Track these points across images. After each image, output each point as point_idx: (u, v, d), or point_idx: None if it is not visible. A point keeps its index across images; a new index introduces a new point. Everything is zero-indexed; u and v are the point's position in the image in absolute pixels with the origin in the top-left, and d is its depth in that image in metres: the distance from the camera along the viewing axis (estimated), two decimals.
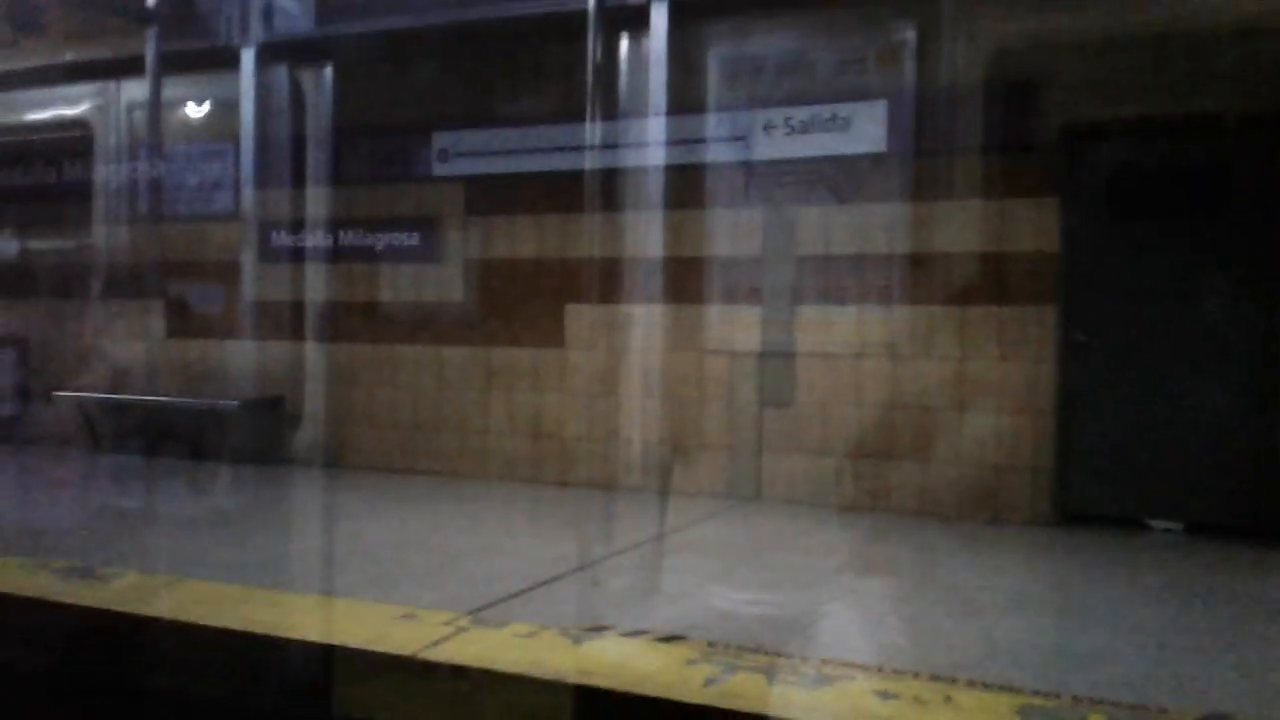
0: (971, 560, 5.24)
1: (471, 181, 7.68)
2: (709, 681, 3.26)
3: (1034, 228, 6.15)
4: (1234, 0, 5.79)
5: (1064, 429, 6.13)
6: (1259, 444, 5.76)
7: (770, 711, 3.07)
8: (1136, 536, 5.83)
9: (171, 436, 8.12)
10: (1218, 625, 4.15)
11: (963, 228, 6.33)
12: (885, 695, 3.16)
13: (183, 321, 8.62)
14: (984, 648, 3.70)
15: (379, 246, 7.94)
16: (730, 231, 6.91)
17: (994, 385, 6.21)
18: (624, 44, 7.25)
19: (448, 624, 3.83)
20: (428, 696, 3.46)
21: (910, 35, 6.47)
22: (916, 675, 3.34)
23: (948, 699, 3.13)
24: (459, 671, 3.42)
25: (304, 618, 4.00)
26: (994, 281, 6.23)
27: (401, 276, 7.88)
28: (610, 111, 7.17)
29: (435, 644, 3.59)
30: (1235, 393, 5.84)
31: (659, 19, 6.96)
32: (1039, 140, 6.17)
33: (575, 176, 7.24)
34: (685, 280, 6.96)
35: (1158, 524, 5.96)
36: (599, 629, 3.81)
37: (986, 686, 3.24)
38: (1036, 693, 3.18)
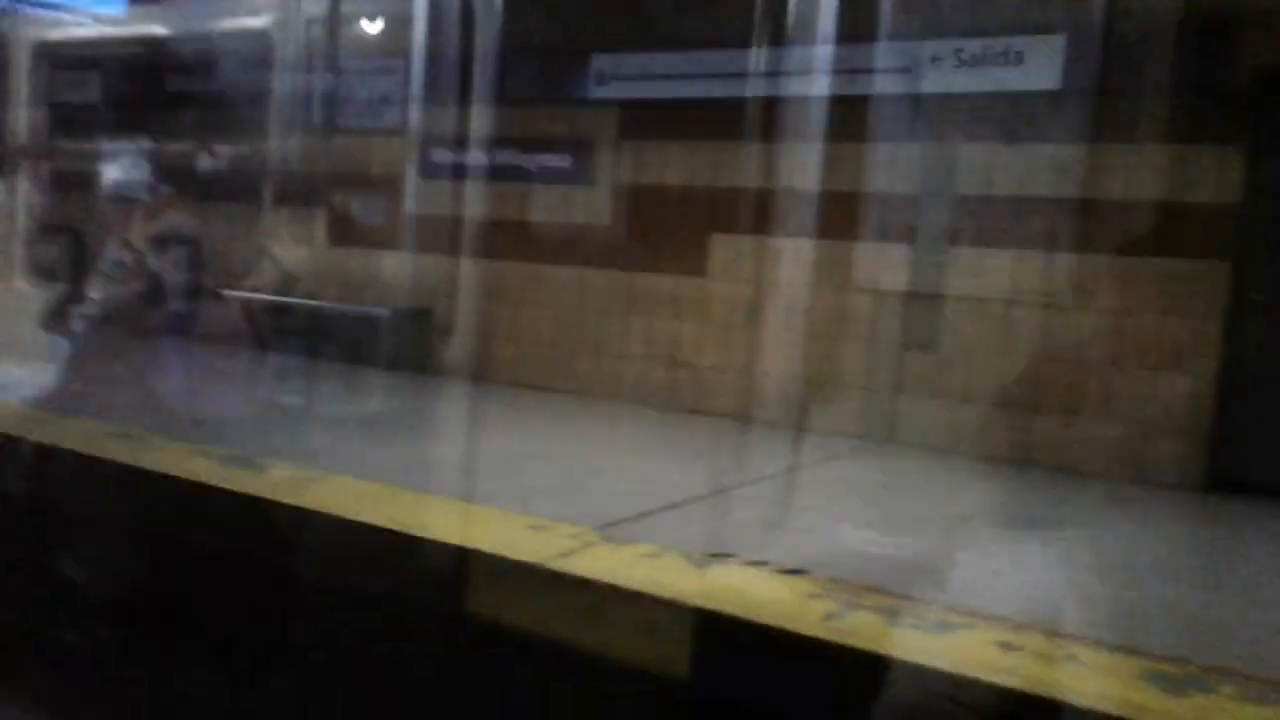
0: (1108, 521, 5.07)
1: (627, 105, 7.68)
2: (828, 616, 3.28)
3: (1214, 178, 5.77)
4: None
5: (1226, 391, 5.80)
6: None
7: (888, 651, 3.07)
8: None
9: (329, 340, 8.52)
10: None
11: (1135, 174, 5.98)
12: (1007, 647, 3.12)
13: (344, 231, 8.98)
14: (1114, 609, 3.59)
15: (533, 167, 8.05)
16: (888, 167, 6.72)
17: (1154, 341, 5.91)
18: None
19: (575, 538, 3.95)
20: (552, 604, 3.59)
21: None
22: (1040, 630, 3.28)
23: (1071, 656, 3.07)
24: (583, 583, 3.53)
25: (442, 520, 4.19)
26: (1165, 232, 5.88)
27: (553, 197, 7.98)
28: (774, 38, 7.01)
29: (562, 555, 3.72)
30: None
31: None
32: (1226, 83, 5.75)
33: (732, 104, 7.13)
34: (836, 215, 6.82)
35: None
36: (722, 556, 3.86)
37: (1113, 648, 3.15)
38: (1166, 658, 3.09)
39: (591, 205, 7.82)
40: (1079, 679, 2.90)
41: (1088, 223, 6.11)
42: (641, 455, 5.88)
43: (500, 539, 3.86)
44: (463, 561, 3.78)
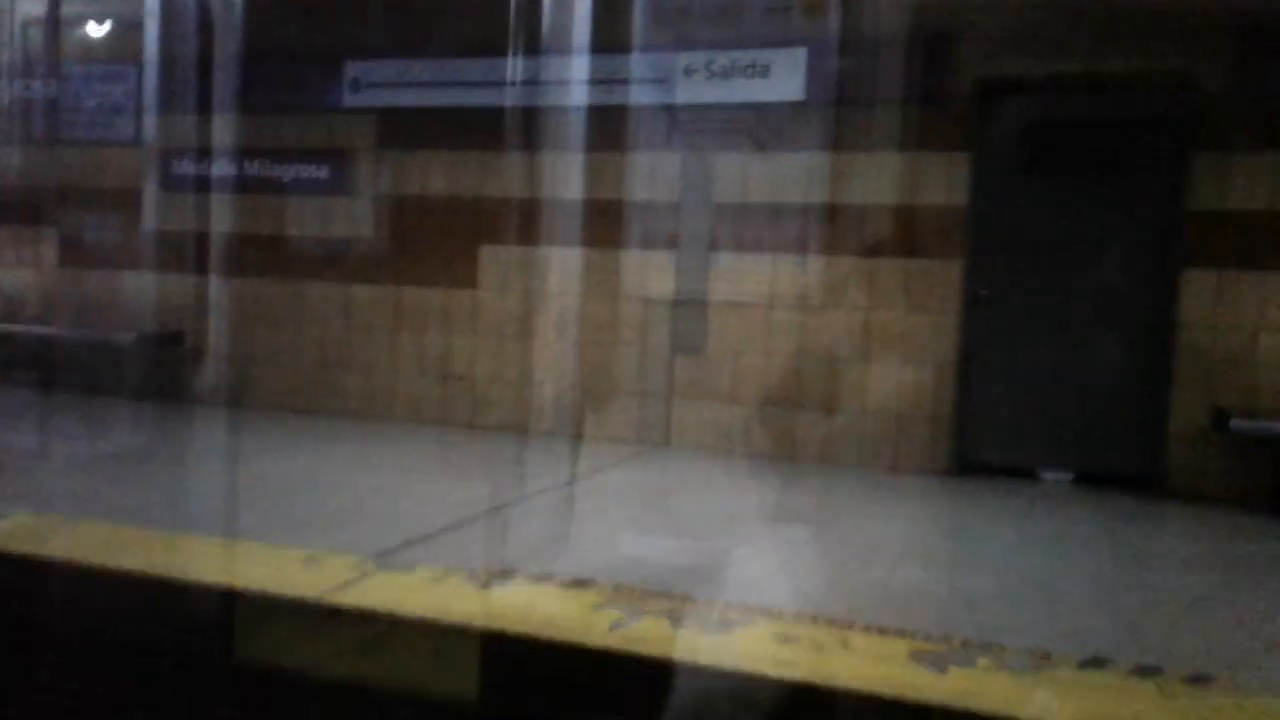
0: (869, 508, 5.39)
1: (385, 114, 7.49)
2: (614, 626, 3.31)
3: (944, 182, 6.26)
4: None
5: (963, 381, 6.31)
6: (1148, 399, 6.02)
7: (673, 655, 3.14)
8: (1028, 486, 6.06)
9: (65, 369, 7.85)
10: (1101, 571, 4.35)
11: (875, 179, 6.40)
12: (785, 639, 3.25)
13: (77, 250, 8.29)
14: (879, 593, 3.82)
15: (287, 178, 7.71)
16: (648, 176, 6.88)
17: (899, 337, 6.34)
18: None
19: (353, 568, 3.80)
20: (332, 641, 3.44)
21: None
22: (815, 620, 3.44)
23: (844, 643, 3.23)
24: (364, 616, 3.41)
25: (203, 561, 3.93)
26: (904, 234, 6.34)
27: (310, 210, 7.67)
28: (532, 47, 7.02)
29: (340, 588, 3.57)
30: (1129, 349, 6.08)
31: None
32: (952, 94, 6.26)
33: (493, 113, 7.11)
34: (602, 224, 6.92)
35: (1049, 475, 6.20)
36: (506, 573, 3.83)
37: (882, 631, 3.35)
38: (929, 637, 3.31)
39: (352, 217, 7.58)
40: (852, 665, 3.06)
41: (834, 226, 6.48)
42: (417, 475, 5.74)
43: (270, 575, 3.66)
44: (229, 603, 3.56)
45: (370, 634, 3.38)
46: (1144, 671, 3.11)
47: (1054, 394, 6.18)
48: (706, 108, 6.79)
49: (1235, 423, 5.45)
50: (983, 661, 3.12)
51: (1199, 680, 3.06)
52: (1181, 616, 3.79)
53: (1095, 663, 3.16)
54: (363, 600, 3.48)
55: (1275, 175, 5.74)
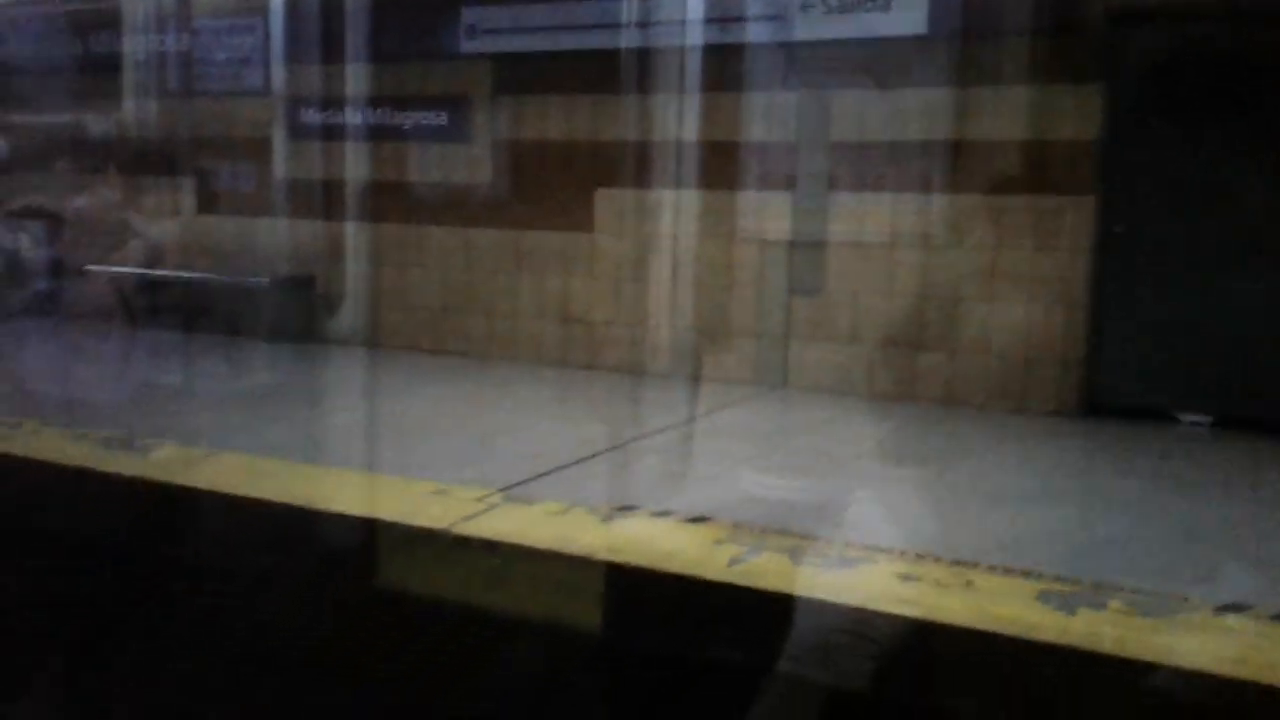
0: (994, 449, 5.28)
1: (500, 60, 7.54)
2: (733, 561, 3.34)
3: (1076, 115, 5.99)
4: None
5: (1096, 321, 6.08)
6: None
7: (793, 590, 3.15)
8: (1164, 429, 5.83)
9: (204, 313, 8.22)
10: (1237, 517, 4.19)
11: (1002, 114, 6.17)
12: (907, 578, 3.23)
13: (214, 198, 8.63)
14: (1006, 535, 3.75)
15: (408, 125, 7.86)
16: (765, 116, 6.78)
17: (1027, 276, 6.14)
18: None
19: (479, 500, 3.92)
20: (460, 569, 3.57)
21: None
22: (938, 560, 3.40)
23: (968, 583, 3.19)
24: (490, 546, 3.52)
25: (339, 491, 4.10)
26: (1033, 170, 6.10)
27: (430, 156, 7.81)
28: None
29: (467, 519, 3.69)
30: (1271, 289, 5.76)
31: None
32: (1084, 23, 5.97)
33: (606, 56, 7.08)
34: (718, 166, 6.86)
35: (1186, 417, 5.95)
36: (627, 509, 3.89)
37: (1008, 571, 3.30)
38: (1058, 578, 3.24)
39: (471, 163, 7.69)
40: (975, 604, 3.03)
41: (959, 164, 6.28)
42: (539, 414, 5.86)
43: (401, 506, 3.81)
44: (364, 532, 3.72)
45: (497, 563, 3.48)
46: None
47: (1192, 335, 5.90)
48: (825, 44, 6.63)
49: None
50: (1114, 604, 3.04)
51: None
52: None
53: (1233, 608, 3.06)
54: (489, 531, 3.58)
55: None
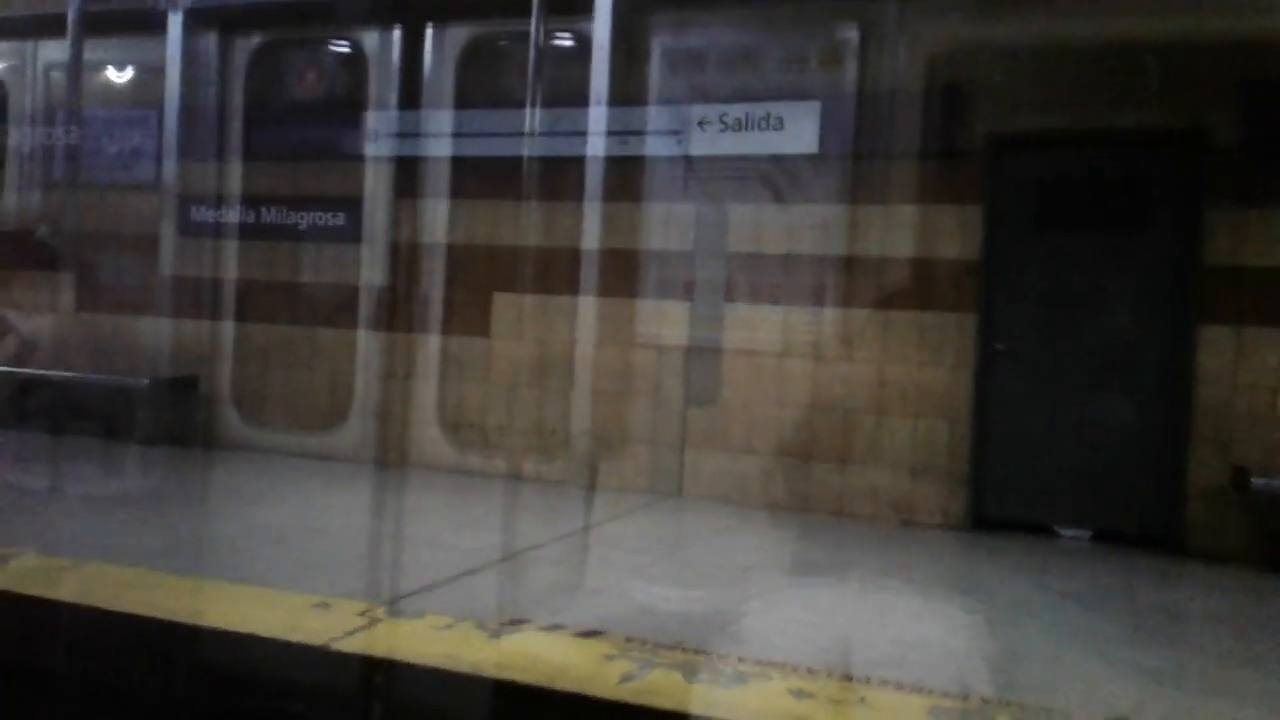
0: (883, 563, 5.32)
1: (402, 163, 7.56)
2: (625, 678, 3.25)
3: (959, 235, 6.26)
4: (1155, 19, 5.95)
5: (979, 436, 6.26)
6: (1166, 456, 5.95)
7: (687, 709, 3.08)
8: (1045, 543, 5.98)
9: (81, 414, 7.86)
10: (1119, 630, 4.27)
11: (890, 232, 6.41)
12: (800, 694, 3.19)
13: (95, 295, 8.35)
14: (895, 649, 3.75)
15: (303, 225, 7.77)
16: (664, 226, 6.91)
17: (914, 390, 6.31)
18: (566, 30, 7.20)
19: (362, 614, 3.76)
20: (340, 687, 3.39)
21: (853, 35, 6.52)
22: (830, 675, 3.37)
23: (862, 700, 3.17)
24: (372, 663, 3.36)
25: (213, 605, 3.89)
26: (918, 287, 6.33)
27: (325, 257, 7.72)
28: (549, 99, 7.09)
29: (349, 634, 3.53)
30: (1145, 405, 6.03)
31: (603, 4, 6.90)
32: (966, 148, 6.29)
33: (509, 163, 7.16)
34: (617, 273, 6.94)
35: (1067, 532, 6.12)
36: (517, 623, 3.78)
37: (899, 687, 3.29)
38: (946, 694, 3.24)
39: (367, 265, 7.61)
40: None
41: (850, 279, 6.48)
42: (428, 522, 5.70)
43: (278, 620, 3.62)
44: (239, 648, 3.52)
45: (380, 680, 3.32)
46: None
47: (1072, 450, 6.12)
48: (720, 159, 6.83)
49: (1255, 481, 5.38)
50: (1001, 718, 3.05)
51: None
52: (1203, 677, 3.71)
53: None
54: (372, 647, 3.43)
55: None
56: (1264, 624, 4.58)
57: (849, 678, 3.36)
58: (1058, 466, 6.15)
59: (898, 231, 6.39)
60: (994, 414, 6.27)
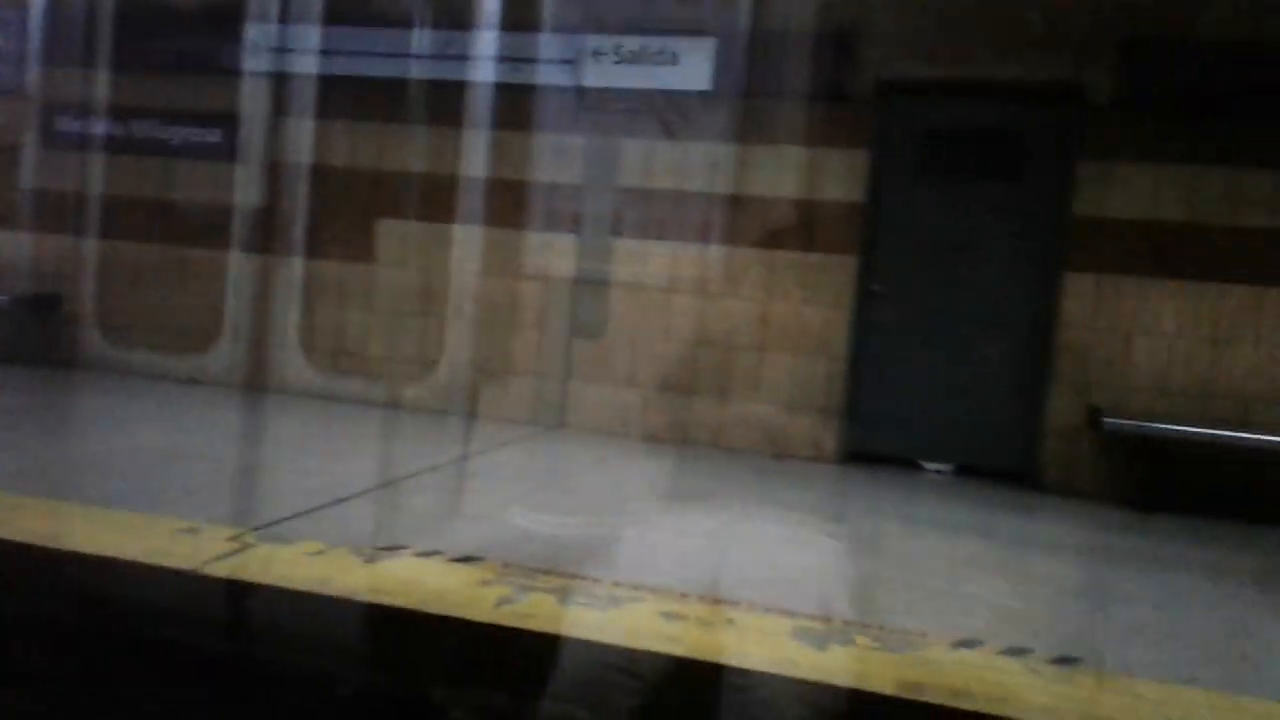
0: (755, 493, 5.47)
1: (284, 80, 7.28)
2: (501, 601, 3.29)
3: (844, 178, 6.39)
4: None
5: (853, 373, 6.45)
6: (1028, 396, 6.24)
7: (561, 630, 3.13)
8: (910, 476, 6.23)
9: None
10: (972, 558, 4.50)
11: (778, 172, 6.50)
12: (671, 617, 3.28)
13: None
14: (764, 574, 3.88)
15: (176, 141, 7.45)
16: (553, 157, 6.85)
17: (794, 328, 6.45)
18: None
19: (232, 539, 3.70)
20: (212, 611, 3.35)
21: None
22: (701, 599, 3.48)
23: (730, 621, 3.28)
24: (243, 587, 3.32)
25: (76, 528, 3.77)
26: (803, 227, 6.45)
27: (199, 175, 7.43)
28: (438, 21, 6.91)
29: (219, 559, 3.47)
30: (1012, 348, 6.30)
31: None
32: (855, 92, 6.38)
33: (395, 85, 6.98)
34: (505, 203, 6.86)
35: (930, 465, 6.38)
36: (392, 549, 3.77)
37: (766, 610, 3.41)
38: (811, 616, 3.38)
39: (244, 185, 7.36)
40: (736, 641, 3.11)
41: (736, 217, 6.55)
42: (302, 449, 5.61)
43: (147, 545, 3.54)
44: (109, 571, 3.43)
45: (252, 604, 3.29)
46: (1014, 652, 3.23)
47: (939, 389, 6.37)
48: (614, 92, 6.78)
49: (1108, 421, 5.69)
50: (861, 640, 3.20)
51: (1064, 661, 3.20)
52: (1049, 602, 3.95)
53: (968, 644, 3.27)
54: (242, 572, 3.39)
55: (1154, 185, 6.01)
56: (1106, 553, 4.88)
57: (718, 601, 3.47)
58: (926, 404, 6.39)
59: (785, 172, 6.47)
60: (868, 353, 6.47)
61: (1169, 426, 5.61)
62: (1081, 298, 6.09)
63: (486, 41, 6.81)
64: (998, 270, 6.33)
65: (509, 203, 6.87)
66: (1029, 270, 6.27)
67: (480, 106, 6.84)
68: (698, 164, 6.64)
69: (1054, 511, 5.72)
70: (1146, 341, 6.03)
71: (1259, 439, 5.58)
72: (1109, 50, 6.06)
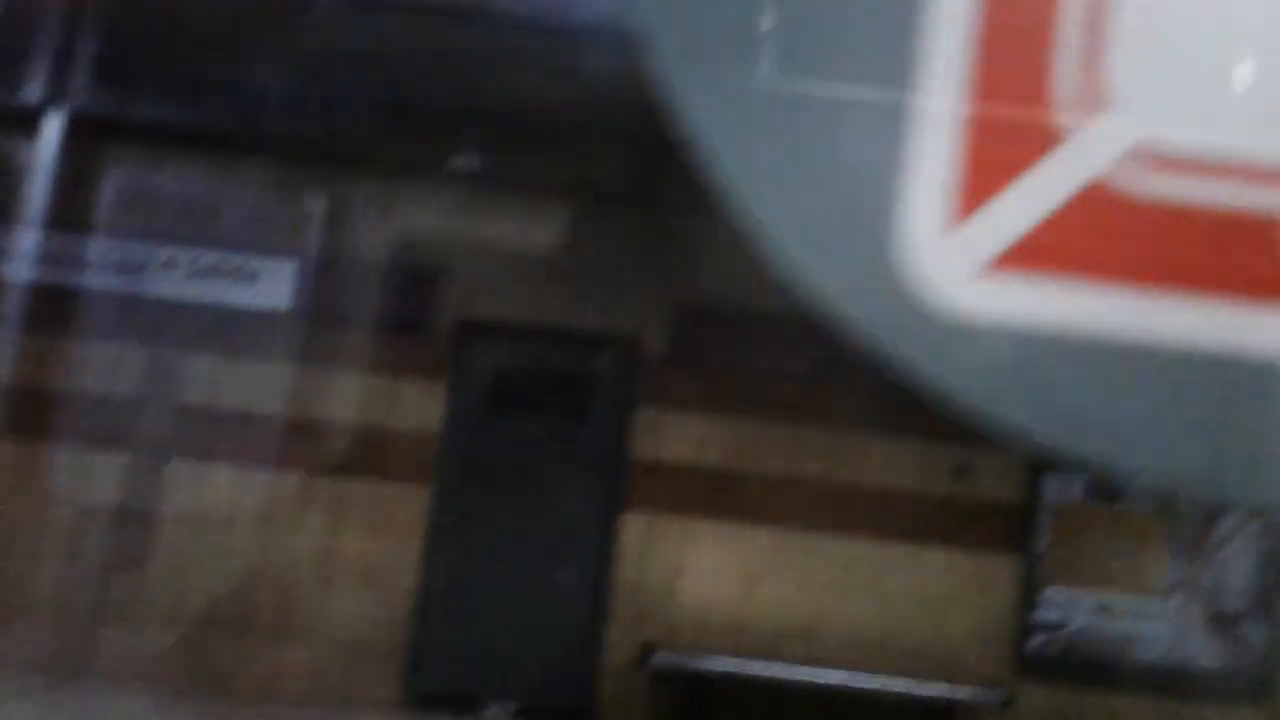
0: None
1: None
2: None
3: (420, 409, 6.39)
4: (602, 236, 6.68)
5: (420, 610, 6.28)
6: (588, 632, 6.36)
7: None
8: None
9: None
10: None
11: (352, 399, 6.39)
12: None
13: None
14: None
15: None
16: (104, 368, 6.29)
17: (364, 562, 6.21)
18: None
19: None
20: None
21: (323, 205, 6.56)
22: None
23: None
24: None
25: None
26: (376, 455, 6.33)
27: None
28: None
29: None
30: (574, 584, 6.44)
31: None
32: (434, 327, 6.51)
33: None
34: (37, 415, 6.15)
35: (493, 708, 6.25)
36: None
37: None
38: None
39: None
40: None
41: (306, 442, 6.32)
42: None
43: None
44: None
45: None
46: None
47: (506, 627, 6.33)
48: (184, 305, 6.44)
49: (657, 657, 5.91)
50: None
51: None
52: None
53: None
54: None
55: (702, 432, 6.54)
56: None
57: None
58: (489, 642, 6.29)
59: (362, 399, 6.38)
60: (434, 587, 6.33)
61: (710, 661, 5.91)
62: (637, 536, 6.39)
63: (33, 240, 6.24)
64: (564, 507, 6.53)
65: (49, 416, 6.18)
66: (592, 509, 6.52)
67: (19, 307, 6.19)
68: (270, 386, 6.38)
69: None
70: (692, 580, 6.39)
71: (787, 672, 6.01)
72: (665, 310, 6.64)
